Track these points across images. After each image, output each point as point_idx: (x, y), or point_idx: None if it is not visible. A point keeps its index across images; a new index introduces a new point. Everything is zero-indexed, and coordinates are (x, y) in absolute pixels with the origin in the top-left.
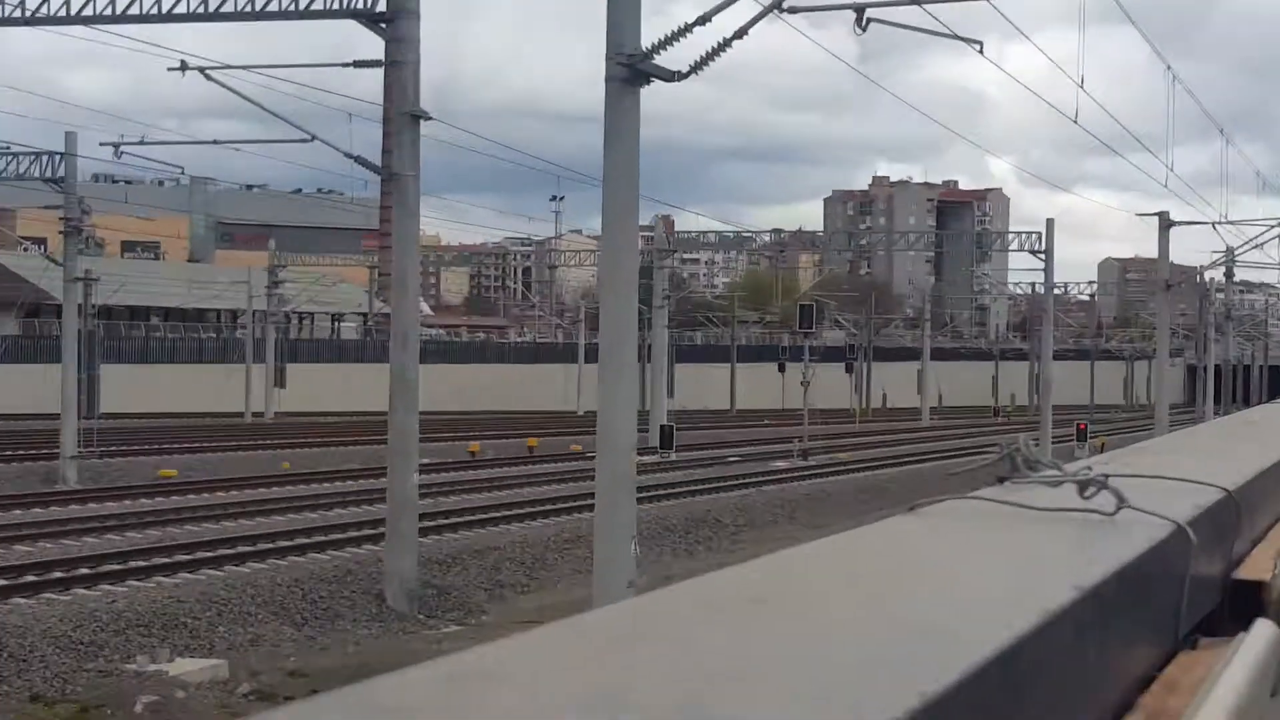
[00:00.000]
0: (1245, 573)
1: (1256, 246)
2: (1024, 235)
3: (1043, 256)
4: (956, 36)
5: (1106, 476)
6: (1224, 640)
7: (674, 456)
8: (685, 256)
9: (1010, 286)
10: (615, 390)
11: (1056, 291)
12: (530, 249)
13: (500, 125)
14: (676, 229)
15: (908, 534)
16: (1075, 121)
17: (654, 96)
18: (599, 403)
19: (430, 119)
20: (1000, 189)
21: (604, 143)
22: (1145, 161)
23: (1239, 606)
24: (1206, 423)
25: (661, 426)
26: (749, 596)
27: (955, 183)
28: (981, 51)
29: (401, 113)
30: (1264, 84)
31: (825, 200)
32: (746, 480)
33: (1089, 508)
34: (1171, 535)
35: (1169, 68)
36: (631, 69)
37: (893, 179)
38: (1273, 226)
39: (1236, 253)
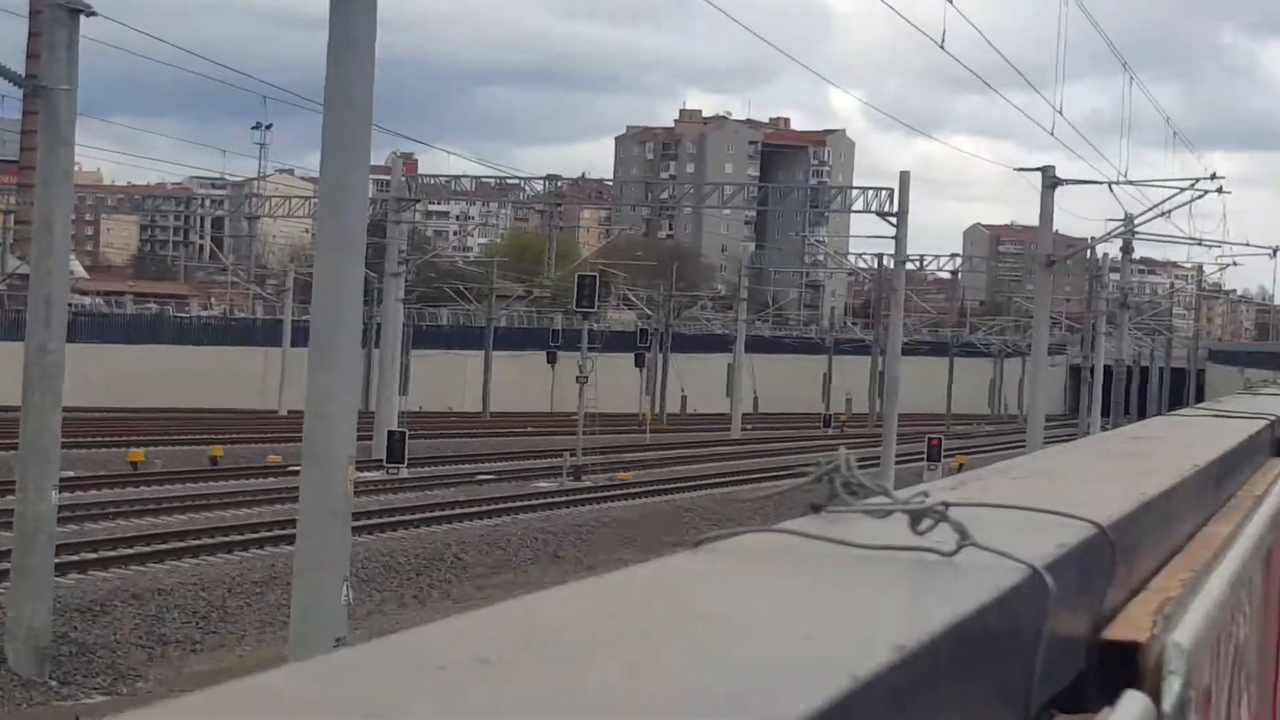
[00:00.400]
0: (1118, 632)
1: (1162, 215)
2: (871, 192)
3: (894, 220)
4: None
5: (947, 506)
6: (1088, 717)
7: (406, 473)
8: (431, 208)
9: (851, 258)
10: (330, 384)
11: (910, 266)
12: (223, 193)
13: (188, 27)
14: (420, 171)
15: (687, 577)
16: (942, 47)
17: None
18: (307, 400)
19: (93, 14)
20: (843, 131)
21: (328, 54)
22: (1029, 102)
23: (1109, 674)
24: (1084, 439)
25: (390, 433)
26: (473, 656)
27: (786, 121)
28: None
29: (54, 4)
30: (1179, 8)
31: (617, 139)
32: (501, 505)
33: (922, 545)
34: (1024, 582)
35: None
36: None
37: (706, 114)
38: (1183, 189)
39: (1137, 222)
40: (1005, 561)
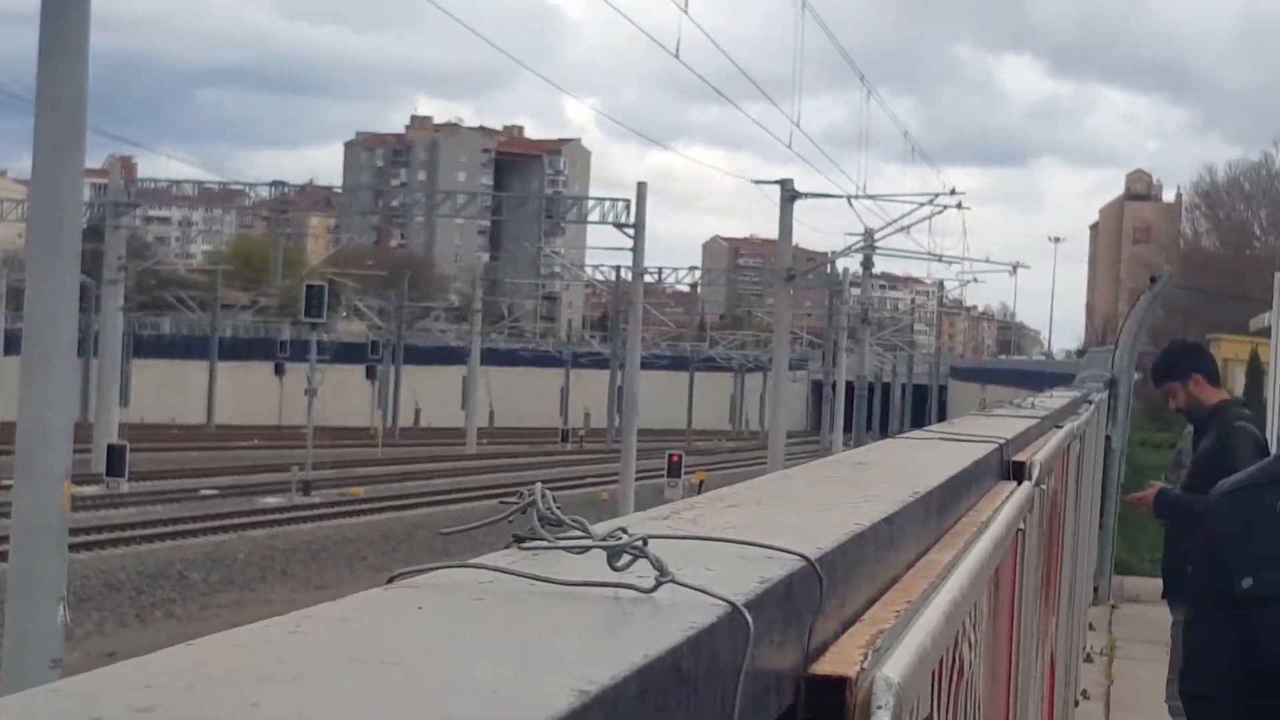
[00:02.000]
0: (826, 667)
1: (902, 229)
2: (608, 202)
3: (631, 231)
4: None
5: (646, 540)
6: None
7: (126, 488)
8: (152, 214)
9: (588, 269)
10: (43, 395)
11: (649, 278)
12: None
13: None
14: (140, 175)
15: (374, 618)
16: (676, 56)
17: None
18: (20, 412)
19: None
20: (579, 140)
21: (39, 52)
22: (766, 113)
23: (817, 711)
24: (807, 464)
25: (110, 446)
26: (133, 705)
27: (520, 129)
28: None
29: None
30: (914, 21)
31: (346, 145)
32: (226, 522)
33: (621, 582)
34: (723, 619)
35: None
36: None
37: (438, 120)
38: (923, 204)
39: (877, 236)
40: (704, 598)
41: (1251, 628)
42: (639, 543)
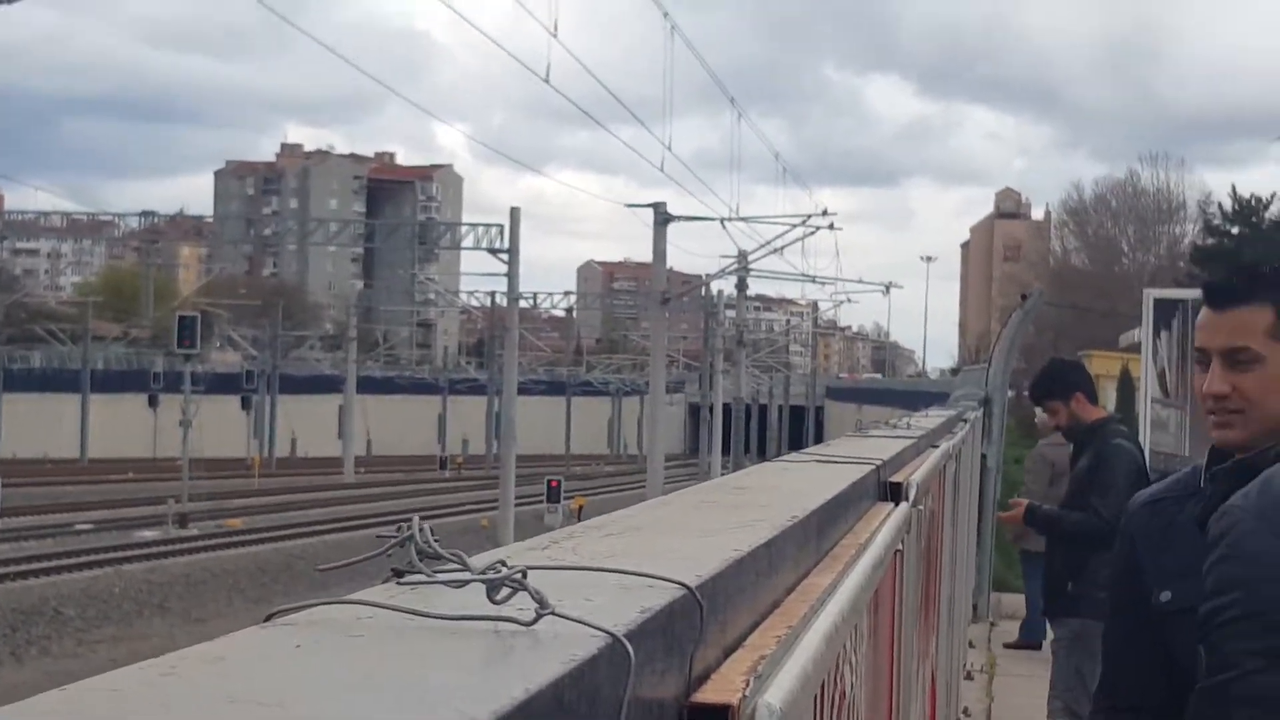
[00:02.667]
0: (709, 695)
1: (776, 251)
2: (482, 228)
3: (505, 257)
4: None
5: (526, 572)
6: None
7: None
8: (19, 246)
9: (463, 296)
10: None
11: (524, 303)
12: None
13: None
14: (6, 207)
15: (250, 657)
16: (547, 81)
17: None
18: None
19: None
20: (451, 166)
21: None
22: (637, 137)
23: None
24: (687, 489)
25: None
26: None
27: (392, 155)
28: None
29: None
30: (782, 43)
31: (216, 174)
32: (102, 557)
33: (501, 615)
34: (604, 650)
35: (666, 16)
36: None
37: (308, 148)
38: (795, 225)
39: (751, 258)
40: (585, 630)
41: (1168, 640)
42: (518, 575)
